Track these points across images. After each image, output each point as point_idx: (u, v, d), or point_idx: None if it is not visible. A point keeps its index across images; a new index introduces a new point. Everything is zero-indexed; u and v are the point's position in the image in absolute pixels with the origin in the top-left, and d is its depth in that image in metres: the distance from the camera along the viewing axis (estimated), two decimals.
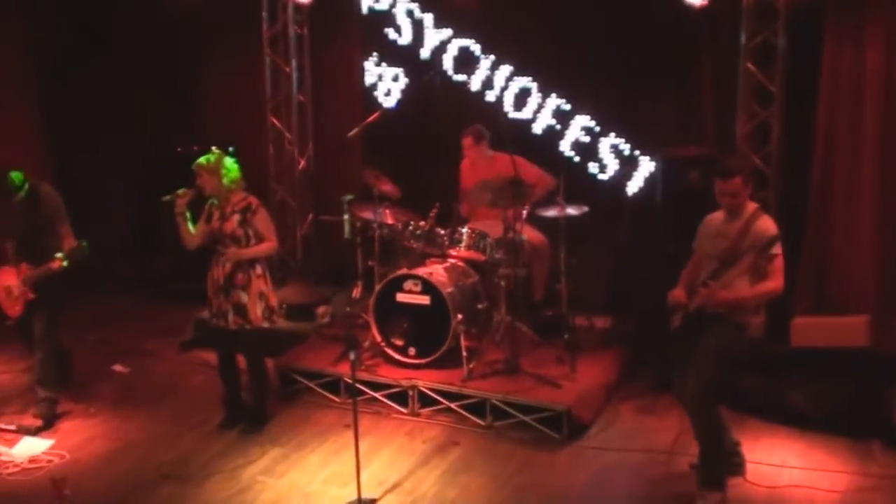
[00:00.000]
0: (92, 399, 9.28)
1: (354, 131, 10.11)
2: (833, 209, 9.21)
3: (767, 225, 6.80)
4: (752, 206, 6.90)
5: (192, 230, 8.25)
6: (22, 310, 8.75)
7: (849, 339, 8.61)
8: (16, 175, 8.48)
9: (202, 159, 8.16)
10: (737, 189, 6.78)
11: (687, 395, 7.11)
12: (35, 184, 8.65)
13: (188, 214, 8.22)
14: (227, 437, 8.50)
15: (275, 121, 11.63)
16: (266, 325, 8.40)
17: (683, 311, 6.99)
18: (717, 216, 7.02)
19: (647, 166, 9.72)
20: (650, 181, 9.65)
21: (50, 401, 8.85)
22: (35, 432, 8.56)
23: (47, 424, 8.71)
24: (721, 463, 7.16)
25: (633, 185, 9.81)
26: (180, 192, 8.17)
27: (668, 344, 7.31)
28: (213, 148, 8.35)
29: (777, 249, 6.73)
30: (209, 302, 8.37)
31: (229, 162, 8.18)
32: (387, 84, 11.03)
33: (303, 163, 11.74)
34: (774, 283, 6.73)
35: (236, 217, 8.17)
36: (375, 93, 11.08)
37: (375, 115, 10.16)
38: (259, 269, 8.31)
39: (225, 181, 8.14)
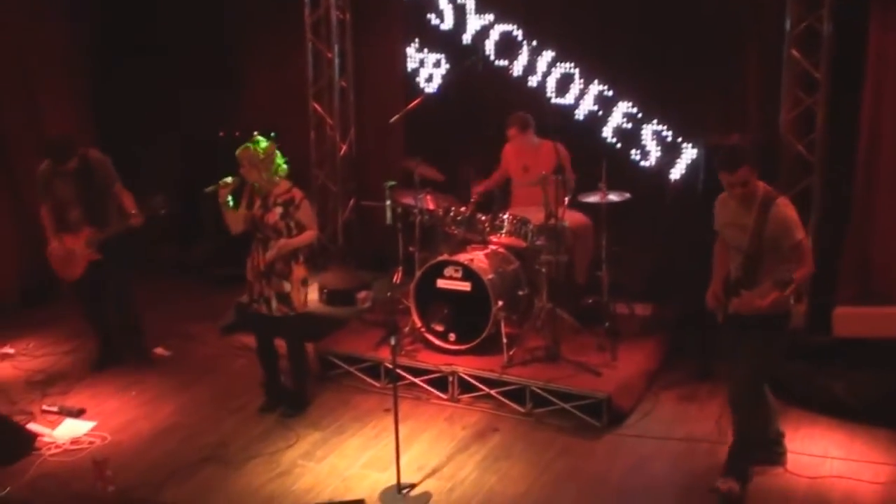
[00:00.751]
0: (134, 382, 9.34)
1: (396, 117, 10.12)
2: (877, 197, 9.12)
3: (785, 212, 6.61)
4: (762, 190, 6.68)
5: (235, 216, 8.25)
6: (82, 272, 9.06)
7: (892, 330, 8.54)
8: (64, 140, 8.94)
9: (246, 149, 8.10)
10: (745, 178, 6.59)
11: (729, 392, 7.09)
12: (84, 151, 8.99)
13: (231, 201, 8.22)
14: (266, 420, 8.53)
15: (316, 106, 11.63)
16: (308, 309, 8.42)
17: (723, 310, 6.91)
18: (731, 200, 6.84)
19: (689, 153, 9.68)
20: (692, 168, 9.60)
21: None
22: (77, 414, 8.63)
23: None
24: (749, 457, 7.11)
25: (676, 173, 9.77)
26: (223, 182, 8.16)
27: (716, 337, 7.26)
28: (256, 133, 8.36)
29: (800, 233, 6.59)
30: (249, 286, 8.38)
31: (274, 154, 8.17)
32: (428, 69, 11.01)
33: (344, 148, 11.74)
34: (805, 269, 6.56)
35: (278, 209, 8.14)
36: (417, 78, 11.07)
37: (417, 100, 10.16)
38: (300, 257, 8.32)
39: (268, 174, 8.13)
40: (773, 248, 6.55)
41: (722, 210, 6.92)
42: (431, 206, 9.59)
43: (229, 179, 8.15)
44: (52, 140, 9.05)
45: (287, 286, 8.22)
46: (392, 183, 9.47)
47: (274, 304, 8.25)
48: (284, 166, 8.21)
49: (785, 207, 6.62)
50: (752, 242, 6.61)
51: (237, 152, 8.13)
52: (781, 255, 6.52)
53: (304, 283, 8.40)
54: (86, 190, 8.96)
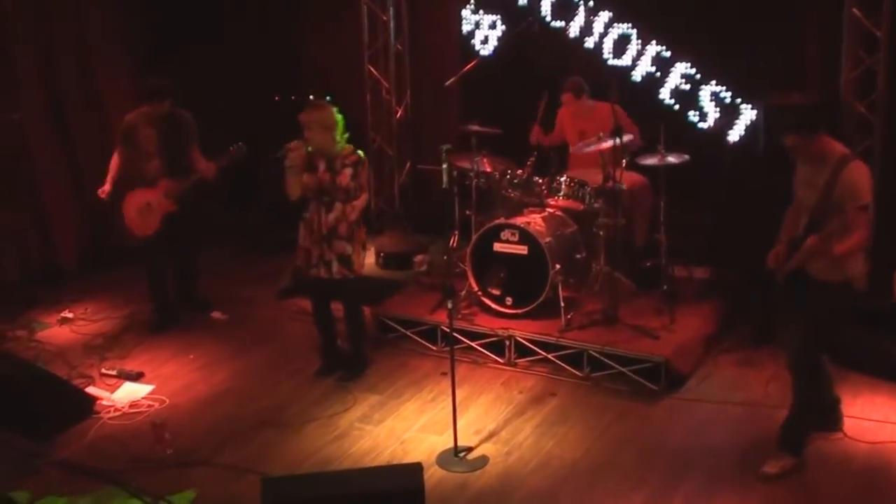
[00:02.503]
0: (191, 346, 9.41)
1: (451, 80, 10.10)
2: None
3: (855, 175, 6.39)
4: (838, 153, 6.50)
5: (296, 180, 8.22)
6: (159, 225, 9.23)
7: None
8: (162, 82, 9.27)
9: (317, 111, 8.08)
10: (795, 144, 6.47)
11: (789, 357, 6.97)
12: (175, 105, 9.27)
13: (298, 164, 8.18)
14: (323, 384, 8.57)
15: (372, 70, 11.62)
16: (367, 273, 8.43)
17: (784, 271, 6.80)
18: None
19: (748, 114, 9.56)
20: (751, 130, 9.49)
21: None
22: (136, 378, 8.70)
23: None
24: (805, 430, 7.00)
25: (735, 134, 9.65)
26: (291, 145, 8.10)
27: (775, 300, 7.16)
28: (311, 97, 8.35)
29: (865, 199, 6.39)
30: (306, 251, 8.36)
31: (340, 118, 8.15)
32: (484, 31, 10.94)
33: (400, 112, 11.73)
34: (859, 235, 6.37)
35: (348, 171, 8.09)
36: (472, 40, 11.00)
37: (472, 63, 10.11)
38: (360, 220, 8.31)
39: (336, 137, 8.11)
40: (839, 211, 6.41)
41: (801, 168, 6.80)
42: (488, 169, 9.55)
43: (295, 143, 8.11)
44: (153, 80, 9.26)
45: (349, 248, 8.21)
46: (448, 146, 9.43)
47: (335, 266, 8.23)
48: (343, 124, 8.20)
49: (857, 170, 6.41)
50: (818, 202, 6.46)
51: (304, 115, 8.08)
52: (846, 220, 6.39)
53: (364, 246, 8.40)
54: (170, 141, 9.18)
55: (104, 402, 8.28)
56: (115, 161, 9.44)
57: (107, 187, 9.36)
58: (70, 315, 10.15)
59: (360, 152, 8.23)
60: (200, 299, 10.05)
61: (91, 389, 8.47)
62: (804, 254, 6.45)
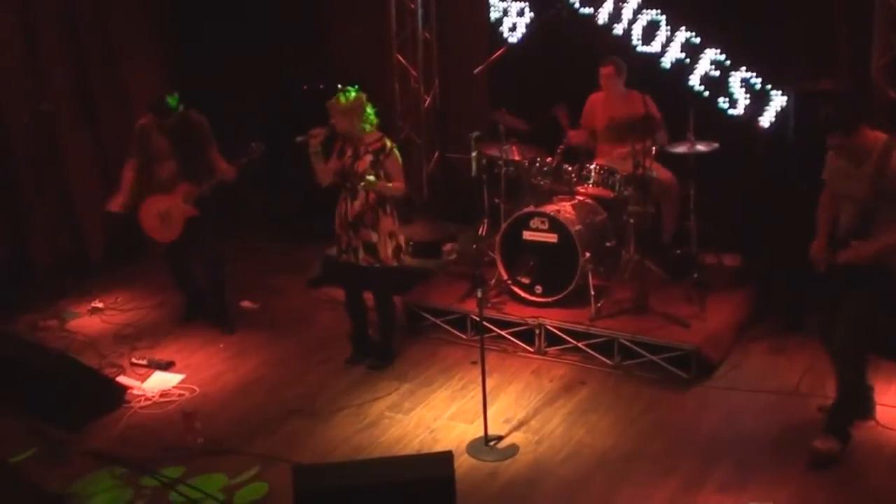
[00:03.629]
0: (221, 335, 9.44)
1: (480, 68, 10.06)
2: None
3: None
4: (879, 140, 6.46)
5: (324, 167, 8.23)
6: (181, 231, 9.08)
7: None
8: (171, 98, 8.91)
9: (337, 98, 8.09)
10: (837, 143, 6.45)
11: (837, 346, 6.89)
12: (185, 110, 9.06)
13: (320, 151, 8.20)
14: (354, 372, 8.58)
15: (400, 58, 11.60)
16: (395, 264, 8.43)
17: (828, 262, 6.71)
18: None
19: (778, 101, 9.48)
20: (782, 116, 9.40)
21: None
22: (166, 367, 8.73)
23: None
24: (852, 416, 6.98)
25: (765, 121, 9.59)
26: (314, 131, 8.14)
27: (813, 290, 7.09)
28: (339, 85, 8.35)
29: None
30: (337, 238, 8.39)
31: (365, 103, 8.14)
32: (512, 19, 10.87)
33: (428, 100, 11.71)
34: None
35: (369, 157, 8.12)
36: (500, 28, 10.94)
37: (500, 51, 10.08)
38: (388, 209, 8.31)
39: (360, 122, 8.11)
40: (891, 199, 6.35)
41: (834, 160, 6.73)
42: (517, 157, 9.53)
43: (317, 130, 8.13)
44: (157, 97, 9.04)
45: (374, 236, 8.22)
46: (477, 134, 9.42)
47: (361, 253, 8.25)
48: (374, 117, 8.20)
49: None
50: (869, 191, 6.39)
51: (328, 102, 8.12)
52: None
53: (392, 236, 8.40)
54: (183, 145, 9.00)
55: (135, 392, 8.33)
56: (128, 173, 9.20)
57: (122, 199, 9.13)
58: (100, 305, 10.21)
59: (388, 141, 8.22)
60: (227, 317, 9.67)
61: (122, 379, 8.51)
62: (881, 250, 6.36)
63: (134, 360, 8.91)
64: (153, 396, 8.28)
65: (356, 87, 8.20)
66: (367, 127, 8.14)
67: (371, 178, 8.01)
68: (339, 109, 8.07)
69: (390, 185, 8.20)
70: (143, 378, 8.58)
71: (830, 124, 6.47)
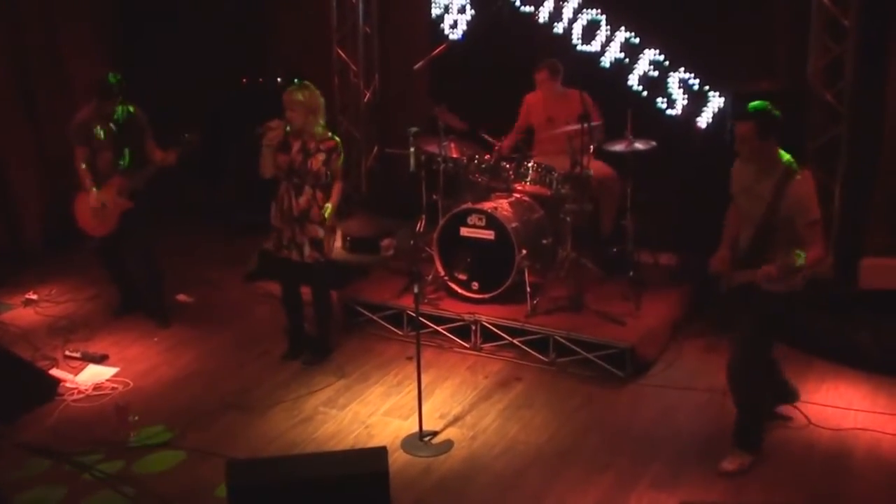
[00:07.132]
0: (156, 328, 9.37)
1: (420, 63, 10.05)
2: None
3: (802, 190, 6.32)
4: (783, 162, 6.41)
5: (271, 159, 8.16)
6: (116, 224, 8.99)
7: None
8: (112, 77, 8.80)
9: (303, 92, 7.98)
10: (746, 135, 6.38)
11: (728, 365, 6.88)
12: (127, 104, 9.01)
13: (274, 145, 8.12)
14: (289, 367, 8.55)
15: (340, 52, 11.58)
16: (338, 258, 8.41)
17: (727, 280, 6.72)
18: (748, 165, 6.61)
19: (716, 102, 9.58)
20: (719, 117, 9.51)
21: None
22: (100, 360, 8.66)
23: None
24: (758, 429, 6.96)
25: (702, 121, 9.67)
26: (272, 123, 8.06)
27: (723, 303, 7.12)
28: (279, 80, 8.30)
29: (815, 213, 6.32)
30: (277, 232, 8.33)
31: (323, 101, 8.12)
32: (453, 15, 10.89)
33: (368, 95, 11.70)
34: (816, 252, 6.23)
35: (321, 156, 8.06)
36: (442, 24, 10.96)
37: (442, 47, 10.08)
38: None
39: (317, 119, 8.07)
40: (786, 225, 6.35)
41: (738, 175, 6.73)
42: (455, 154, 9.54)
43: (276, 122, 8.06)
44: (98, 78, 8.91)
45: (321, 232, 8.19)
46: (416, 130, 9.42)
47: (307, 250, 8.21)
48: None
49: (805, 183, 6.36)
50: (765, 216, 6.39)
51: (287, 95, 8.00)
52: (793, 234, 6.32)
53: (334, 230, 8.40)
54: (122, 135, 8.91)
55: (68, 385, 8.24)
56: (80, 163, 8.99)
57: (94, 192, 8.94)
58: (34, 297, 10.10)
59: (337, 139, 8.19)
60: (163, 310, 9.59)
61: (55, 371, 8.44)
62: (762, 279, 6.29)
63: (67, 353, 8.82)
64: (86, 390, 8.18)
65: (296, 82, 8.14)
66: (322, 124, 8.10)
67: None
68: (297, 103, 7.96)
69: (336, 195, 8.20)
70: (77, 371, 8.49)
71: (746, 112, 6.45)
